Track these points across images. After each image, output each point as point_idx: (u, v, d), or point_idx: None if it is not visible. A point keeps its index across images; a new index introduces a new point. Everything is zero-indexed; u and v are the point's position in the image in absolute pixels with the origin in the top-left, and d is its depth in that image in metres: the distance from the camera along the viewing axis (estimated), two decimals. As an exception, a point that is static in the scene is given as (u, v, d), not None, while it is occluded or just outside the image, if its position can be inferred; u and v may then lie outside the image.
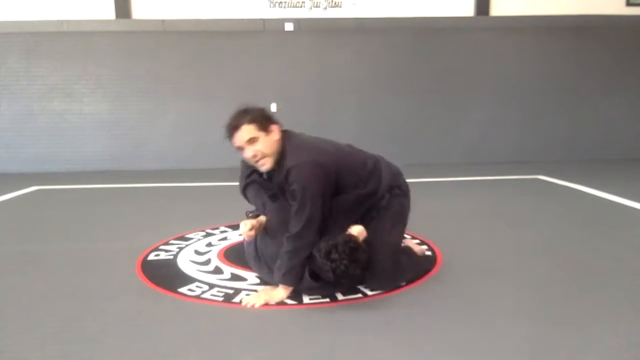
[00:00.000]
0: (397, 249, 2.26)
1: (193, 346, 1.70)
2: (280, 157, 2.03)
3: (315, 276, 2.01)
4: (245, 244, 2.45)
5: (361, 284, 2.19)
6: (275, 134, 2.03)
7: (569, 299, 2.06)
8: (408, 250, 2.47)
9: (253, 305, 2.02)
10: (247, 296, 2.10)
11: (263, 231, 2.28)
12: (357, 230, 2.08)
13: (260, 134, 1.99)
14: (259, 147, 1.99)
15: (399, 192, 2.26)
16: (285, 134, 2.09)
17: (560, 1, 6.97)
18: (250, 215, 2.35)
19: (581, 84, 7.07)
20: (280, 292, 2.06)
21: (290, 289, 2.07)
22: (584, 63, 7.04)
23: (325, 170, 1.99)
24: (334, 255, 1.88)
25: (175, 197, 4.79)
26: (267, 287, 2.16)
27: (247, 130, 1.98)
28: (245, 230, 2.21)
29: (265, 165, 2.03)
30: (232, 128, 2.01)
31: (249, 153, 2.00)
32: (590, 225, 3.37)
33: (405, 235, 2.59)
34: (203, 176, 6.00)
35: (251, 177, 2.35)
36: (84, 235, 3.31)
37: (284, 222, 2.08)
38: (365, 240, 2.07)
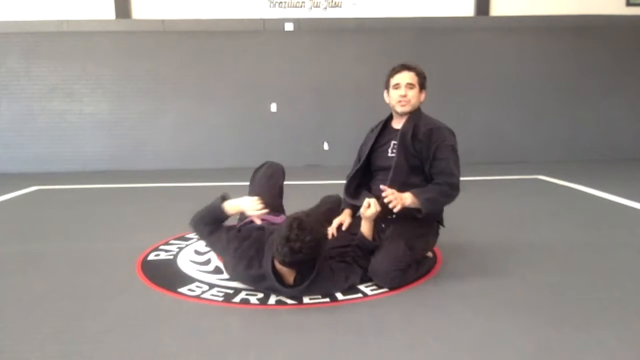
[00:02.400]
0: (409, 260, 2.24)
1: (193, 346, 1.70)
2: (415, 116, 2.38)
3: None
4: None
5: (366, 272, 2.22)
6: (423, 96, 2.44)
7: (569, 299, 2.06)
8: (420, 260, 2.39)
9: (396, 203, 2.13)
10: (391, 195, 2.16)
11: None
12: (373, 201, 2.18)
13: (417, 87, 2.39)
14: (411, 93, 2.36)
15: (437, 229, 2.46)
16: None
17: (560, 1, 6.98)
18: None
19: (581, 84, 7.07)
20: (409, 200, 2.20)
21: (415, 204, 2.21)
22: (584, 63, 7.04)
23: None
24: (297, 245, 1.85)
25: (175, 197, 4.78)
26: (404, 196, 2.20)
27: (413, 76, 2.37)
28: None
29: (404, 107, 2.37)
30: (405, 67, 2.39)
31: (401, 92, 2.35)
32: (590, 225, 3.37)
33: None
34: (203, 176, 6.00)
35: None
36: (84, 235, 3.31)
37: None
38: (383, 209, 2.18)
